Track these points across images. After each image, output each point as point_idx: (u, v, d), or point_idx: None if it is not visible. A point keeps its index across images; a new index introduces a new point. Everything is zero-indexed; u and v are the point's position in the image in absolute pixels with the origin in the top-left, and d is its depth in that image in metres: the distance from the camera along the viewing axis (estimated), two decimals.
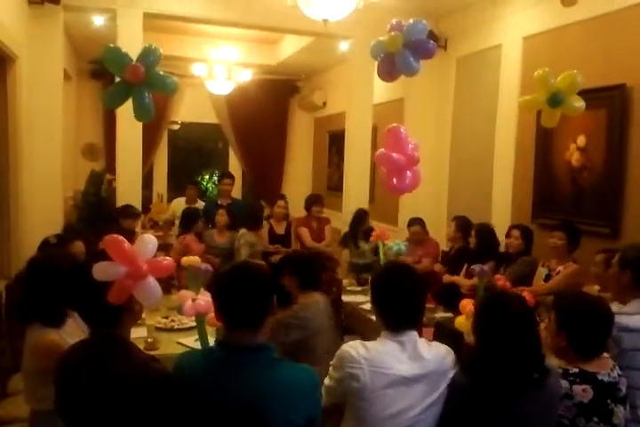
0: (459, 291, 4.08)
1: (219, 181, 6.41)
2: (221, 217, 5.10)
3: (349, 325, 4.23)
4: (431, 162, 5.46)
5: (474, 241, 4.24)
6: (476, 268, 3.35)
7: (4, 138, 4.31)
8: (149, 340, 3.02)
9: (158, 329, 3.35)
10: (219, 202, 5.85)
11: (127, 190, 5.04)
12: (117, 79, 3.58)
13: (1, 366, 3.15)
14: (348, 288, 4.68)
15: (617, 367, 2.05)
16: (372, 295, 2.06)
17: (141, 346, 2.73)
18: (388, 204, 5.95)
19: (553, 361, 2.05)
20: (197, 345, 2.77)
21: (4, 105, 4.30)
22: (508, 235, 4.06)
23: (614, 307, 2.22)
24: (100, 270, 1.74)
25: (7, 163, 4.34)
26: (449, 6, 5.29)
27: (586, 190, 4.04)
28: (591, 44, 4.02)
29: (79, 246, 3.12)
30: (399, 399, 1.85)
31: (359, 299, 4.32)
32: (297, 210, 6.14)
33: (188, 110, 8.43)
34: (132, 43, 4.51)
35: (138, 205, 5.05)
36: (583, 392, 1.93)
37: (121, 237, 1.84)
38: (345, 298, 4.38)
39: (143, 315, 2.94)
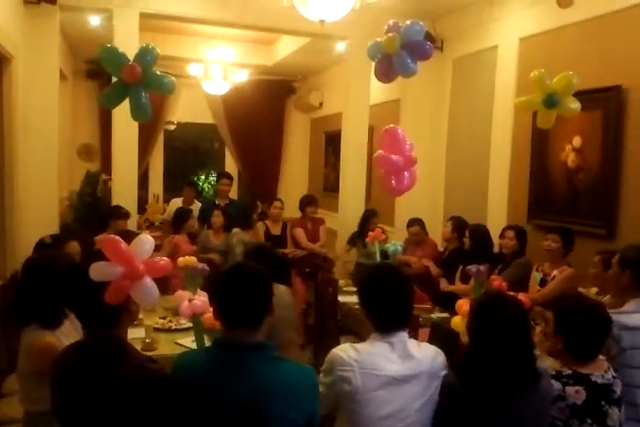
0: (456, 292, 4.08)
1: (217, 181, 6.40)
2: (217, 218, 5.09)
3: (346, 325, 4.22)
4: (427, 162, 5.45)
5: (468, 242, 4.26)
6: (473, 268, 3.34)
7: (0, 138, 4.30)
8: (147, 340, 3.01)
9: (156, 330, 3.33)
10: (216, 202, 5.84)
11: (123, 191, 5.04)
12: (114, 79, 3.57)
13: None
14: (345, 288, 4.67)
15: (611, 369, 2.05)
16: (359, 297, 2.06)
17: (139, 347, 2.72)
18: (385, 204, 5.95)
19: (548, 363, 2.05)
20: (195, 346, 2.75)
21: (0, 105, 4.28)
22: (502, 236, 4.06)
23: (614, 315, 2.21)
24: (97, 271, 1.73)
25: (2, 163, 4.32)
26: (445, 7, 5.29)
27: (581, 191, 4.05)
28: (587, 46, 4.03)
29: (74, 247, 3.12)
30: (391, 401, 1.85)
31: (355, 299, 4.30)
32: (293, 211, 6.13)
33: (184, 110, 8.42)
34: (128, 43, 4.49)
35: (134, 205, 5.04)
36: (576, 394, 1.93)
37: (117, 237, 1.84)
38: (341, 298, 4.36)
39: (141, 315, 2.95)
